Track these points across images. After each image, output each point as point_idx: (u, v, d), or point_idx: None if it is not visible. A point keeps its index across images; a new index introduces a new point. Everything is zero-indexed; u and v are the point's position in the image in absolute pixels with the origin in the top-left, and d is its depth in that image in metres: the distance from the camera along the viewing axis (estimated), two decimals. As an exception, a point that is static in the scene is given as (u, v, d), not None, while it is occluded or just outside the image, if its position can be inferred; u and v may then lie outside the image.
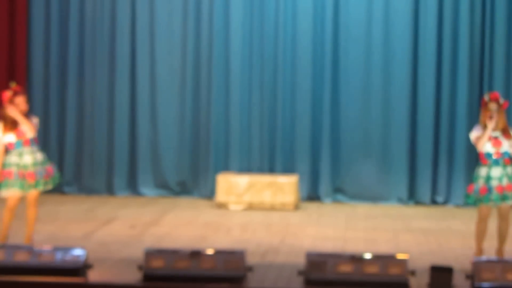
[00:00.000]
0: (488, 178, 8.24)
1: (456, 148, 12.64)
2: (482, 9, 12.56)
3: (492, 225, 8.64)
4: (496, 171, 8.24)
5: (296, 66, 12.88)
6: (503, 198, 8.22)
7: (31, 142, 8.58)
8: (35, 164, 8.54)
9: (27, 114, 8.61)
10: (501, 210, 8.37)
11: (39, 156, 8.64)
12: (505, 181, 8.22)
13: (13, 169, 8.47)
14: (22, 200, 8.71)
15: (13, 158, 8.52)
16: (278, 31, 12.85)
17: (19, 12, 13.00)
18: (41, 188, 8.60)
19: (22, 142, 8.53)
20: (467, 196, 8.38)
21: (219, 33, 12.90)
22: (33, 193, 8.61)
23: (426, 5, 12.63)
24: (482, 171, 8.29)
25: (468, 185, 8.45)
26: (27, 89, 12.60)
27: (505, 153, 8.29)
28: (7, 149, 8.57)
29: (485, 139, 8.25)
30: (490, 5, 12.51)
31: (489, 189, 8.22)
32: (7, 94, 8.58)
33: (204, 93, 12.98)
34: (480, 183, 8.27)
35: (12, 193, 8.51)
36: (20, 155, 8.52)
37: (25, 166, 8.50)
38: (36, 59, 13.15)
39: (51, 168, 8.72)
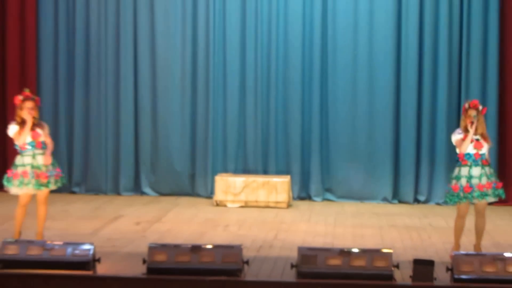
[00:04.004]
0: (470, 177, 8.35)
1: (437, 151, 12.69)
2: (459, 20, 12.57)
3: (469, 222, 8.70)
4: (476, 171, 8.36)
5: (287, 76, 12.89)
6: (483, 195, 8.33)
7: (43, 144, 8.64)
8: (46, 165, 8.62)
9: (38, 121, 8.67)
10: (477, 207, 8.44)
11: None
12: (484, 180, 8.34)
13: (28, 169, 8.51)
14: (33, 198, 8.72)
15: (27, 159, 8.54)
16: (270, 42, 12.88)
17: (29, 26, 13.03)
18: (51, 187, 8.63)
19: (35, 143, 8.58)
20: (452, 195, 8.40)
21: (216, 44, 12.91)
22: (43, 192, 8.64)
23: (408, 16, 12.61)
24: (464, 170, 8.38)
25: (451, 185, 8.44)
26: (37, 96, 12.56)
27: (483, 155, 8.43)
28: (20, 149, 8.60)
29: (468, 143, 8.36)
30: (467, 17, 12.51)
31: (471, 187, 8.33)
32: (19, 98, 8.64)
33: (202, 101, 12.98)
34: (463, 182, 8.36)
35: (26, 191, 8.54)
36: (34, 156, 8.57)
37: (38, 167, 8.55)
38: (45, 68, 13.14)
39: (59, 169, 8.78)
